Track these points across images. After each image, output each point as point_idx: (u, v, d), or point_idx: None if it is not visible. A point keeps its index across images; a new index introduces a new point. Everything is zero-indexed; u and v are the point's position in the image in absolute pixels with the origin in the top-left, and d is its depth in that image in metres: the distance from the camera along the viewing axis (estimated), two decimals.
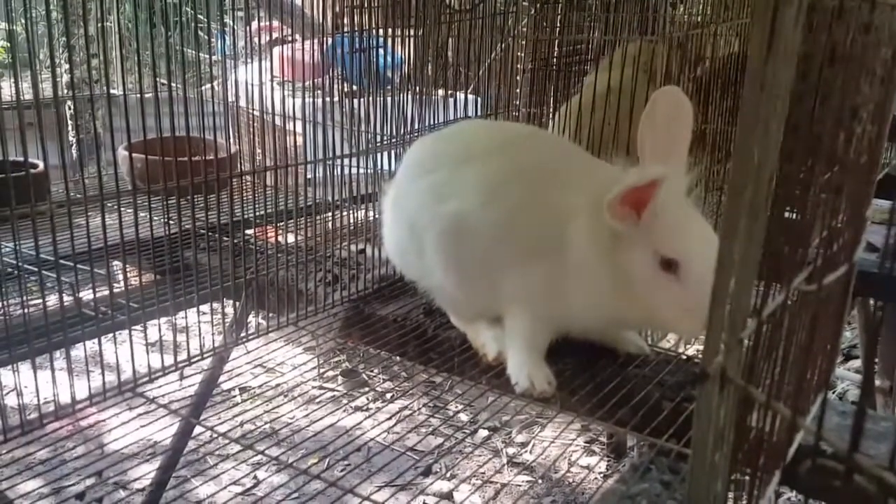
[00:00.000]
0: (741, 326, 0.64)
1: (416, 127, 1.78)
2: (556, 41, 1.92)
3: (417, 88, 1.83)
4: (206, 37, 2.84)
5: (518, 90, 1.99)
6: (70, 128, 2.66)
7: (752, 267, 0.64)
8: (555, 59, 1.93)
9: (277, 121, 1.86)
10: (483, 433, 3.08)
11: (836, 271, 0.86)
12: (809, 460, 0.86)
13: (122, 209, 1.07)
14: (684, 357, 1.35)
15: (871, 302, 2.29)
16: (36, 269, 1.06)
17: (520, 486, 2.81)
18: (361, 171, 1.60)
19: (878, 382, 2.48)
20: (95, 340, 1.16)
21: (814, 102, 0.67)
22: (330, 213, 1.53)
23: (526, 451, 3.00)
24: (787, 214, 0.77)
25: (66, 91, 2.35)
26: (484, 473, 2.92)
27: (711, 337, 0.63)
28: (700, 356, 1.27)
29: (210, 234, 1.33)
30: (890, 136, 1.08)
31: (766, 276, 0.69)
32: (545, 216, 1.18)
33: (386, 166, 1.67)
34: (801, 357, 0.85)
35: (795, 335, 0.83)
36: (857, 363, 3.46)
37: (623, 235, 1.09)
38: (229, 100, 1.90)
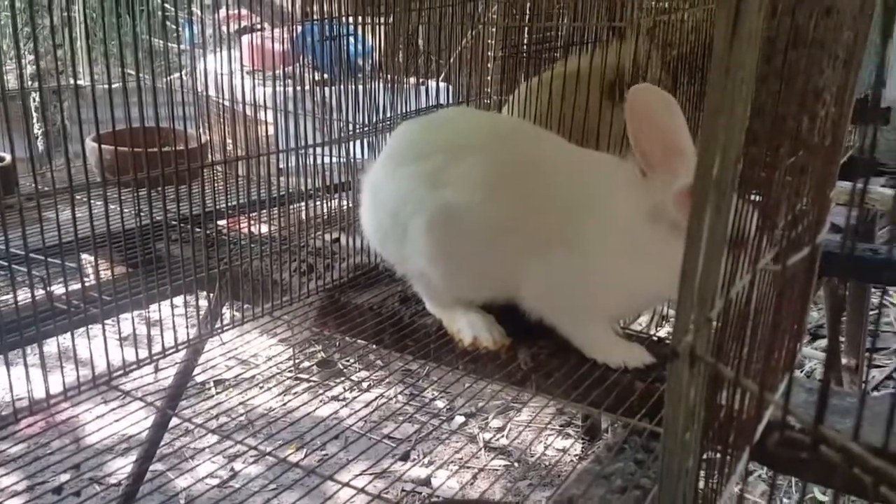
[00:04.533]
0: (710, 306, 0.65)
1: (389, 115, 1.78)
2: (526, 28, 1.93)
3: (389, 76, 1.82)
4: (172, 26, 2.80)
5: (489, 77, 2.00)
6: (35, 119, 2.60)
7: (720, 248, 0.66)
8: (525, 46, 1.93)
9: (247, 110, 1.84)
10: (459, 419, 3.10)
11: (801, 252, 0.88)
12: (777, 434, 0.89)
13: (92, 201, 1.05)
14: (655, 338, 1.37)
15: (836, 282, 2.34)
16: (6, 264, 1.04)
17: (496, 469, 2.83)
18: (334, 160, 1.59)
19: (844, 361, 2.54)
20: (67, 335, 1.15)
21: (779, 86, 0.68)
22: (303, 203, 1.53)
23: (502, 436, 3.03)
24: (752, 196, 0.78)
25: (30, 82, 2.30)
26: (461, 458, 2.94)
27: (681, 316, 0.64)
28: (670, 337, 1.29)
29: (182, 225, 1.32)
30: (853, 118, 1.10)
31: (732, 258, 0.71)
32: (562, 208, 1.20)
33: (359, 155, 1.67)
34: (769, 336, 0.87)
35: (762, 315, 0.85)
36: (824, 342, 3.54)
37: (678, 223, 1.11)
38: (198, 89, 1.88)
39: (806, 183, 0.88)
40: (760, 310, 0.83)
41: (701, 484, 0.78)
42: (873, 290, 2.64)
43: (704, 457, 0.78)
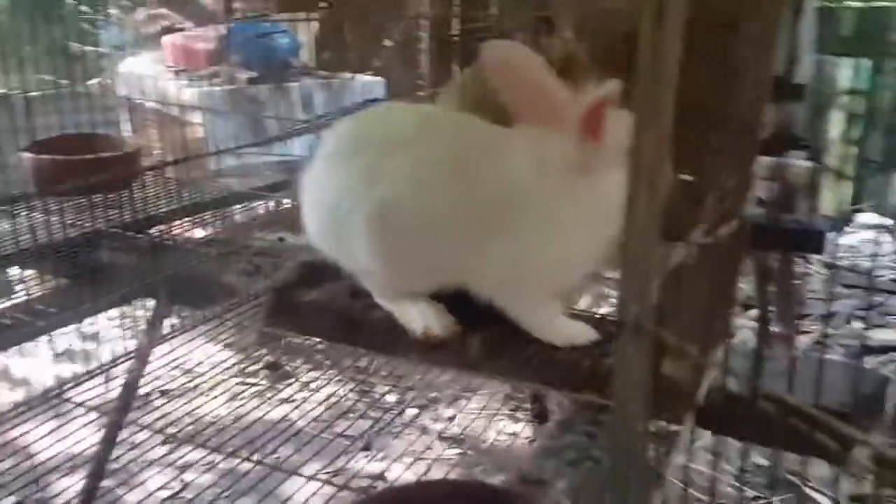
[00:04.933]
0: (651, 278, 0.70)
1: (324, 112, 1.78)
2: (457, 19, 1.95)
3: (320, 73, 1.82)
4: (92, 29, 2.72)
5: (421, 70, 2.01)
6: None
7: (657, 223, 0.70)
8: (456, 37, 1.96)
9: (177, 111, 1.81)
10: (411, 411, 3.12)
11: (729, 224, 0.93)
12: (717, 394, 0.94)
13: (30, 213, 1.03)
14: (598, 316, 1.42)
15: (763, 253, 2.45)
16: None
17: (450, 459, 2.87)
18: (271, 159, 1.59)
19: (776, 329, 2.65)
20: (8, 351, 1.12)
21: (701, 69, 0.72)
22: (246, 203, 1.52)
23: (454, 425, 3.06)
24: (682, 176, 0.83)
25: None
26: (415, 451, 2.96)
27: (625, 290, 0.68)
28: (612, 314, 1.34)
29: (123, 232, 1.30)
30: (773, 97, 1.17)
31: (667, 234, 0.75)
32: (493, 191, 1.22)
33: (297, 153, 1.67)
34: (705, 304, 0.92)
35: (698, 286, 0.90)
36: (755, 312, 3.69)
37: (594, 164, 1.14)
38: (122, 93, 1.84)
39: (730, 160, 0.93)
40: (696, 281, 0.88)
41: (650, 451, 0.83)
42: (796, 259, 2.77)
43: (653, 426, 0.82)
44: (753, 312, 3.66)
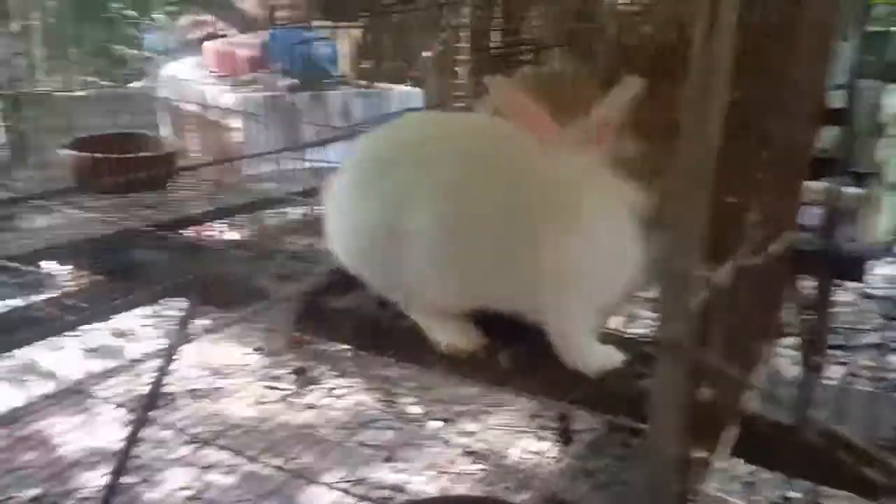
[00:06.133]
0: (693, 297, 0.67)
1: (360, 120, 1.78)
2: (499, 31, 1.94)
3: (358, 82, 1.82)
4: (136, 33, 2.77)
5: (460, 81, 2.00)
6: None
7: (700, 243, 0.68)
8: (496, 49, 1.94)
9: (216, 116, 1.83)
10: (435, 424, 3.10)
11: (778, 244, 0.90)
12: (757, 422, 0.91)
13: (65, 209, 1.04)
14: (629, 337, 1.39)
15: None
16: None
17: (473, 474, 2.83)
18: (311, 165, 1.59)
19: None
20: (38, 344, 1.13)
21: (752, 79, 0.70)
22: (280, 208, 1.52)
23: (478, 440, 3.03)
24: (727, 192, 0.80)
25: None
26: (437, 464, 2.94)
27: (666, 309, 0.66)
28: (643, 336, 1.31)
29: (158, 231, 1.31)
30: (825, 120, 1.13)
31: (709, 255, 0.72)
32: (528, 205, 1.20)
33: (335, 159, 1.67)
34: (746, 328, 0.89)
35: (739, 309, 0.87)
36: (788, 340, 3.61)
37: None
38: (164, 96, 1.86)
39: (779, 179, 0.90)
40: (737, 304, 0.85)
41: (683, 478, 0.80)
42: (835, 287, 2.69)
43: (688, 452, 0.79)
44: (788, 341, 3.58)
